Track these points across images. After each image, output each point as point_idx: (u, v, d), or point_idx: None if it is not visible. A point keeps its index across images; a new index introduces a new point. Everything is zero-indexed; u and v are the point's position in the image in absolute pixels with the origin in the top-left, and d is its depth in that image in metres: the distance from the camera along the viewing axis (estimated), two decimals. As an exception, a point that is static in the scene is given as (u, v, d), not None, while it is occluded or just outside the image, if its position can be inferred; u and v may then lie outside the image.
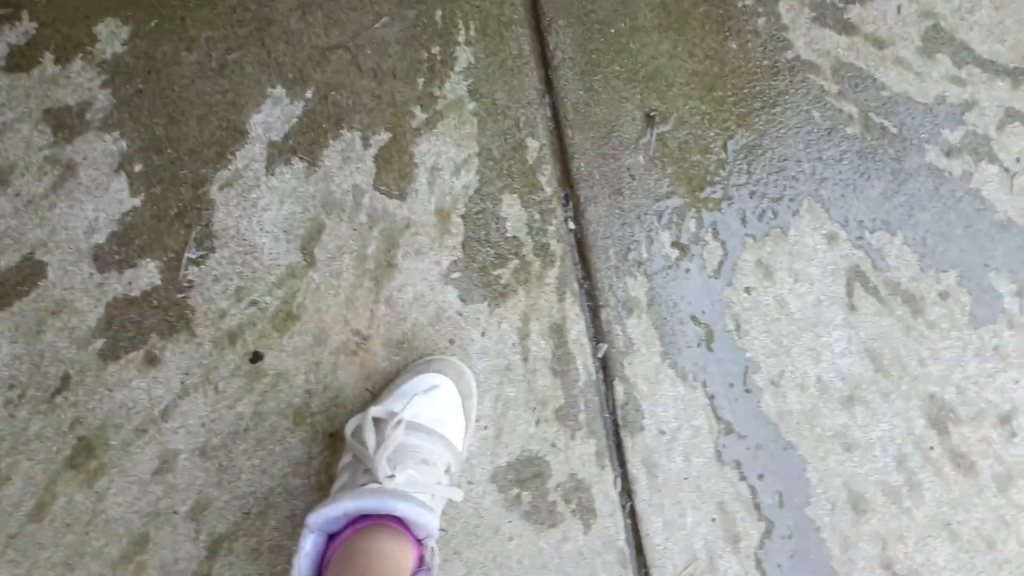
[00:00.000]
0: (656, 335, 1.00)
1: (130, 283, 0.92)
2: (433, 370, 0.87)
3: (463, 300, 0.97)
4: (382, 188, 0.98)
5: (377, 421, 0.81)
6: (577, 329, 0.99)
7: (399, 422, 0.79)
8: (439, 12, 1.04)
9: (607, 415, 0.98)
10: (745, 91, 1.08)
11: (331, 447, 0.92)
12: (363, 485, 0.75)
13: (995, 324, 1.06)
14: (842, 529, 0.99)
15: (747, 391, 1.01)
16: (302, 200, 0.96)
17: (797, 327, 1.02)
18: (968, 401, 1.04)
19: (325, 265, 0.95)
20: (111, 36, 0.97)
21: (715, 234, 1.04)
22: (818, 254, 1.04)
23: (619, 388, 0.99)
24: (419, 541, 0.73)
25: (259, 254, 0.94)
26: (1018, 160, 1.10)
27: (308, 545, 0.72)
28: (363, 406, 0.90)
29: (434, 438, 0.82)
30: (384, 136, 0.99)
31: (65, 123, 0.95)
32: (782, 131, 1.08)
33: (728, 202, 1.05)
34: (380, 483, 0.74)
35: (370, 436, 0.78)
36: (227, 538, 0.89)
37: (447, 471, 0.82)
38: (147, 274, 0.92)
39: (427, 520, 0.71)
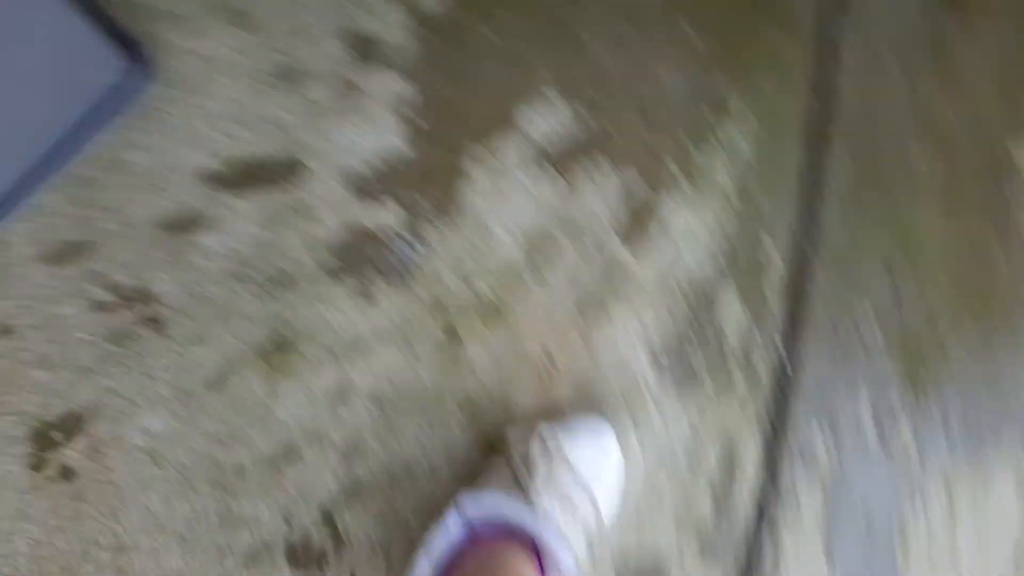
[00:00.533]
0: (822, 504, 1.00)
1: (374, 217, 0.96)
2: (606, 428, 0.89)
3: (657, 374, 0.97)
4: (620, 232, 1.01)
5: (542, 440, 0.82)
6: (750, 458, 0.99)
7: (563, 457, 0.80)
8: (733, 98, 1.07)
9: (741, 552, 0.97)
10: (993, 301, 1.07)
11: (484, 455, 0.94)
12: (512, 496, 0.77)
13: None
14: None
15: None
16: (544, 209, 1.00)
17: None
18: None
19: (544, 279, 0.98)
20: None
21: (916, 437, 1.02)
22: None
23: (767, 541, 0.98)
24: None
25: (491, 242, 0.97)
26: None
27: (453, 525, 0.74)
28: (527, 422, 0.92)
29: (585, 490, 0.83)
30: (640, 184, 1.02)
31: (367, 51, 1.00)
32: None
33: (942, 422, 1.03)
34: (531, 503, 0.76)
35: (535, 453, 0.79)
36: (365, 491, 0.92)
37: (584, 529, 0.83)
38: (391, 216, 0.97)
39: (567, 560, 0.72)
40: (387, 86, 1.00)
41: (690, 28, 1.08)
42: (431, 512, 0.90)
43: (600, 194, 1.02)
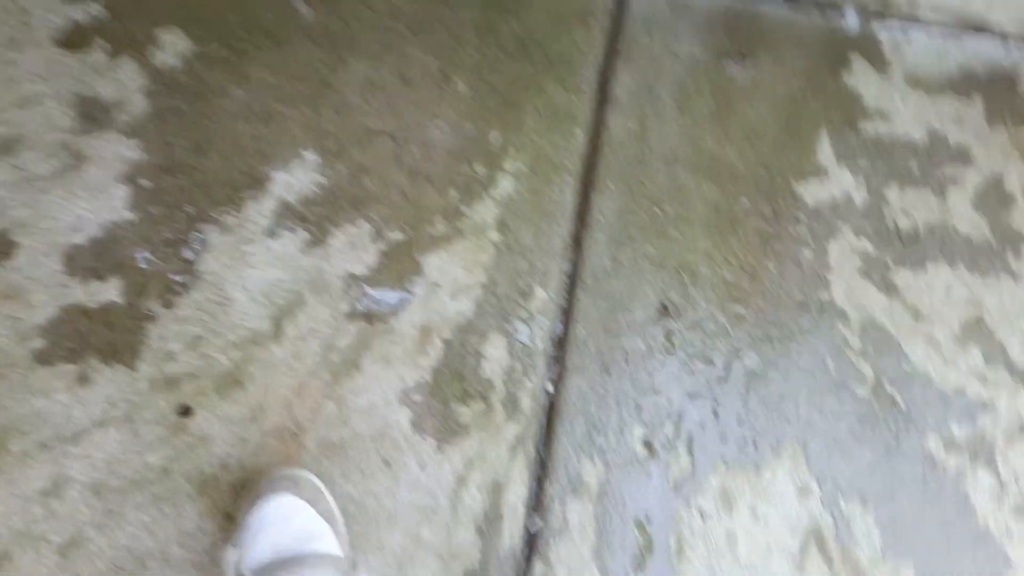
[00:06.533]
0: (594, 528, 1.03)
1: (92, 294, 0.97)
2: (274, 492, 0.90)
3: (414, 425, 1.01)
4: (376, 287, 1.03)
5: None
6: (517, 494, 1.02)
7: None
8: (496, 134, 1.12)
9: None
10: (768, 316, 1.14)
11: (225, 529, 0.94)
12: None
13: None
14: None
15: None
16: (292, 270, 1.02)
17: (740, 570, 1.05)
18: None
19: (290, 343, 0.99)
20: (172, 46, 1.05)
21: (689, 446, 1.08)
22: (785, 502, 1.08)
23: (538, 570, 1.01)
24: None
25: (230, 309, 0.99)
26: (1016, 480, 1.15)
27: None
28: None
29: (307, 561, 0.85)
30: (398, 235, 1.05)
31: (92, 115, 1.01)
32: (791, 369, 1.12)
33: (714, 419, 1.09)
34: None
35: None
36: (87, 589, 0.91)
37: None
38: (112, 291, 0.97)
39: None
40: (117, 153, 1.01)
41: (466, 87, 1.14)
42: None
43: (357, 251, 1.05)
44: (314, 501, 0.90)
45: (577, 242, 1.11)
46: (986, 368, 1.16)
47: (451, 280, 1.04)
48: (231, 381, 0.96)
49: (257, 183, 1.02)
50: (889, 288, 1.16)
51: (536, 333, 1.05)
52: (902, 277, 1.16)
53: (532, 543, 1.01)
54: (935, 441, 1.11)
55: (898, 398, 1.12)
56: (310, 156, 1.03)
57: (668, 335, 1.10)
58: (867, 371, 1.12)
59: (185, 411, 0.94)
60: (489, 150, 1.10)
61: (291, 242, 1.01)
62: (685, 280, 1.11)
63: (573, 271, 1.10)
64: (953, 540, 1.09)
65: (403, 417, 1.00)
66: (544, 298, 1.06)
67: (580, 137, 1.16)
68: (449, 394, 1.02)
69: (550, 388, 1.05)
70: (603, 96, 1.19)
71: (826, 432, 1.10)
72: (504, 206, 1.08)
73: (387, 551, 0.97)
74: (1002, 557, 1.10)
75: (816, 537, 1.05)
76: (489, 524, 0.99)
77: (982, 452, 1.12)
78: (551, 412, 1.06)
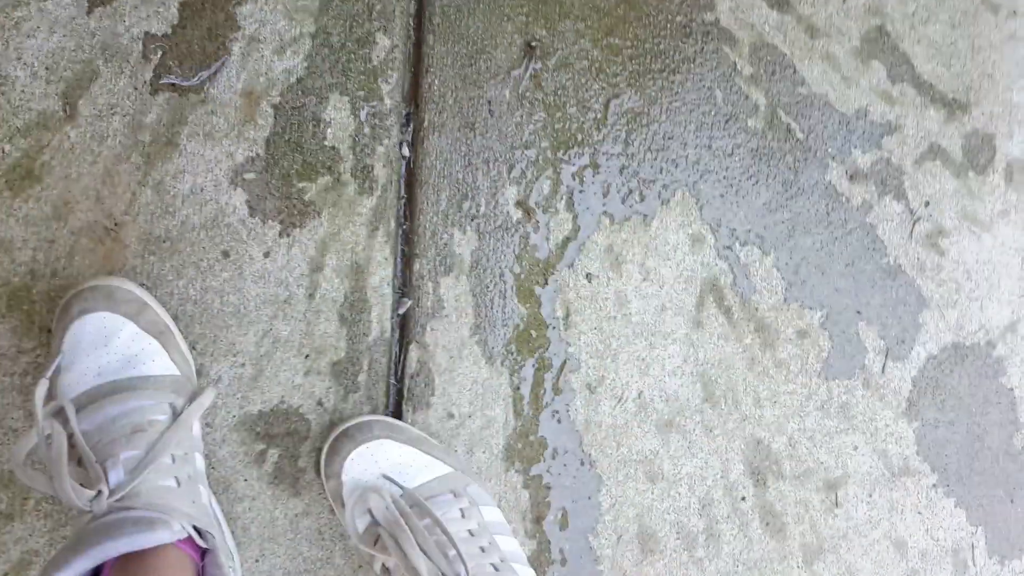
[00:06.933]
0: (471, 304, 1.21)
1: None
2: (85, 310, 0.97)
3: (252, 208, 1.11)
4: (182, 45, 1.10)
5: (56, 411, 0.88)
6: (381, 275, 1.16)
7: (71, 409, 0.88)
8: None
9: (392, 382, 1.16)
10: (647, 46, 1.29)
11: (46, 345, 1.03)
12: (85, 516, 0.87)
13: (850, 379, 1.34)
14: (623, 566, 1.26)
15: (558, 391, 1.26)
16: (78, 35, 1.06)
17: (632, 331, 1.26)
18: (797, 456, 1.32)
19: (88, 123, 1.06)
20: None
21: (569, 204, 1.26)
22: (677, 255, 1.28)
23: (413, 355, 1.17)
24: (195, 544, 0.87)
25: (9, 89, 1.05)
26: (926, 204, 1.40)
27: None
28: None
29: (135, 387, 0.94)
30: None
31: None
32: (676, 104, 1.27)
33: (593, 171, 1.26)
34: (94, 512, 0.86)
35: (55, 446, 0.85)
36: None
37: (173, 411, 0.96)
38: None
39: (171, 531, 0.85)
40: None
41: None
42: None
43: (151, 5, 1.10)
44: (135, 314, 0.97)
45: None
46: (890, 85, 1.36)
47: (273, 33, 1.12)
48: (24, 174, 1.05)
49: None
50: (781, 2, 1.34)
51: (383, 89, 1.19)
52: None
53: (404, 327, 1.16)
54: (837, 171, 1.33)
55: (794, 126, 1.32)
56: None
57: (536, 78, 1.24)
58: (759, 99, 1.31)
59: None
60: None
61: (71, 1, 1.06)
62: (550, 11, 1.22)
63: (419, 10, 1.18)
64: (861, 280, 1.29)
65: (238, 200, 1.11)
66: (388, 45, 1.17)
67: None
68: (289, 169, 1.12)
69: (406, 152, 1.19)
70: None
71: (717, 172, 1.28)
72: None
73: (241, 353, 1.09)
74: (915, 295, 1.31)
75: (713, 289, 1.27)
76: (353, 311, 1.14)
77: (889, 179, 1.33)
78: (410, 180, 1.18)
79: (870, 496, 1.27)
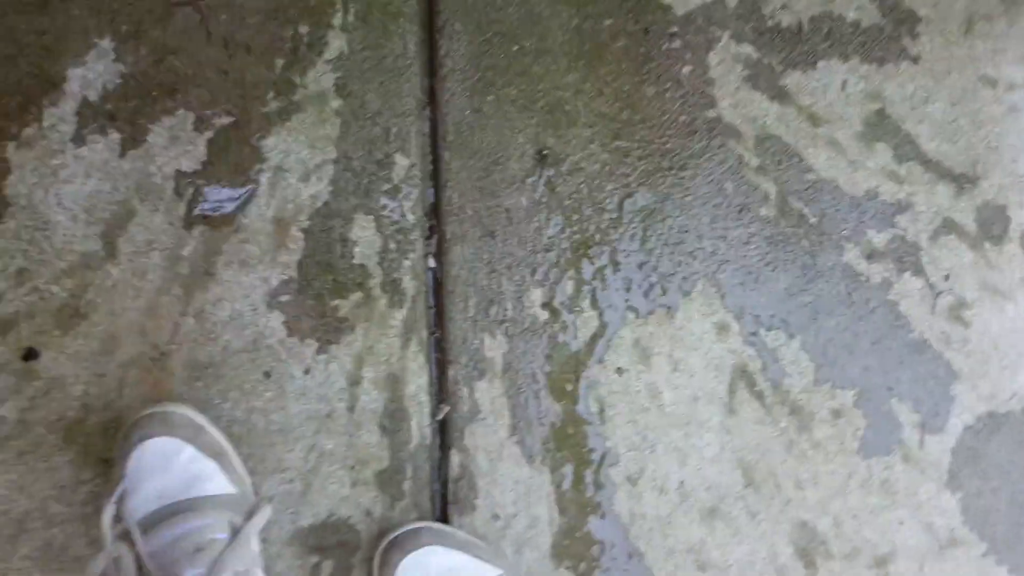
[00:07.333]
0: (507, 406, 1.22)
1: None
2: (145, 436, 1.02)
3: (289, 329, 1.15)
4: (213, 181, 1.17)
5: (123, 533, 0.95)
6: (417, 384, 1.19)
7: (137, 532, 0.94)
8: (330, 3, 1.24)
9: (436, 487, 1.18)
10: (654, 146, 1.33)
11: (103, 475, 1.06)
12: None
13: (888, 456, 1.34)
14: (680, 662, 1.26)
15: (600, 485, 1.26)
16: (113, 178, 1.13)
17: (667, 422, 1.27)
18: (844, 536, 1.30)
19: (128, 260, 1.11)
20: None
21: (593, 302, 1.28)
22: (704, 344, 1.31)
23: (455, 459, 1.19)
24: None
25: (52, 233, 1.11)
26: (947, 278, 1.41)
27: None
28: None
29: (196, 508, 0.98)
30: (225, 119, 1.17)
31: None
32: (688, 199, 1.32)
33: (614, 269, 1.29)
34: None
35: (124, 568, 0.92)
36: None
37: (233, 529, 1.00)
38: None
39: None
40: None
41: None
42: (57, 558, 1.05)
43: (181, 144, 1.17)
44: (193, 438, 1.02)
45: (432, 97, 1.25)
46: (897, 165, 1.38)
47: (298, 162, 1.18)
48: (72, 313, 1.09)
49: (51, 85, 1.11)
50: (780, 94, 1.38)
51: (405, 206, 1.23)
52: (793, 80, 1.37)
53: (444, 432, 1.18)
54: (853, 252, 1.35)
55: (806, 212, 1.35)
56: (105, 44, 1.13)
57: (550, 184, 1.29)
58: (769, 188, 1.34)
59: (29, 355, 1.06)
60: (309, 5, 1.21)
61: (104, 146, 1.12)
62: (558, 120, 1.28)
63: (433, 130, 1.24)
64: (889, 356, 1.30)
65: (275, 322, 1.15)
66: (406, 165, 1.22)
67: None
68: (321, 289, 1.17)
69: (432, 264, 1.23)
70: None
71: (735, 261, 1.30)
72: (341, 69, 1.21)
73: (290, 470, 1.12)
74: (945, 367, 1.32)
75: (743, 375, 1.29)
76: (393, 420, 1.16)
77: (906, 256, 1.34)
78: (438, 290, 1.22)
79: (921, 569, 1.26)
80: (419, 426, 1.18)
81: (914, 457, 1.27)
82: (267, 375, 1.14)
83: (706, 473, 1.24)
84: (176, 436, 1.01)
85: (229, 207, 1.17)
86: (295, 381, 1.15)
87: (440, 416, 1.18)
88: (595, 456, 1.23)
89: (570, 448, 1.22)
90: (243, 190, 1.16)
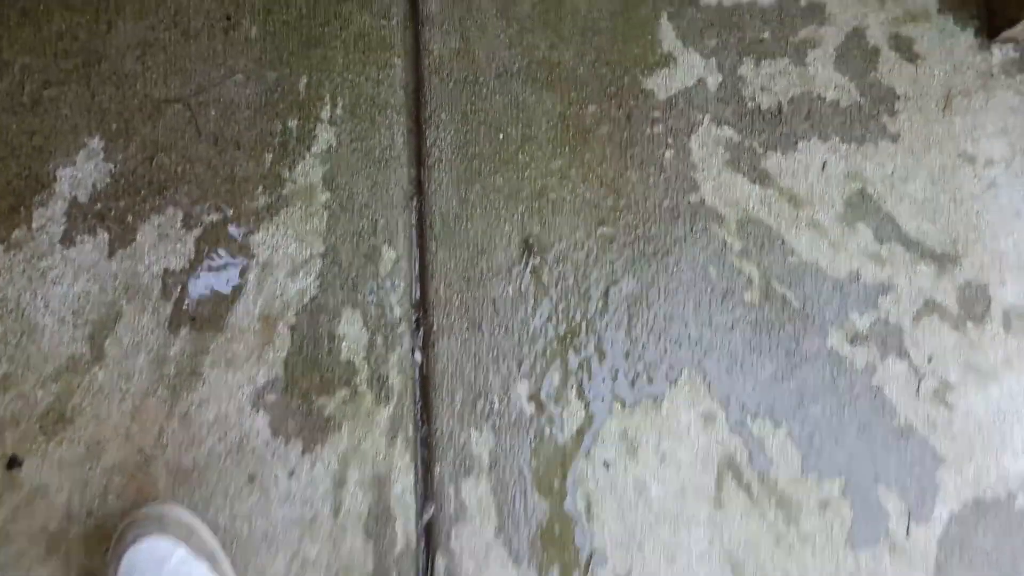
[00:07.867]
0: (494, 504, 1.21)
1: None
2: (139, 536, 1.02)
3: (274, 430, 1.15)
4: (200, 282, 1.16)
5: None
6: (403, 484, 1.18)
7: None
8: (304, 80, 1.25)
9: None
10: (639, 231, 1.34)
11: None
12: None
13: (875, 547, 1.32)
14: None
15: (587, 584, 1.20)
16: (101, 279, 1.13)
17: (655, 517, 1.26)
18: None
19: (115, 363, 1.12)
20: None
21: (580, 393, 1.29)
22: (691, 435, 1.30)
23: (440, 562, 1.17)
24: None
25: (38, 337, 1.11)
26: (930, 360, 1.43)
27: None
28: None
29: None
30: (214, 216, 1.19)
31: None
32: (672, 285, 1.32)
33: (600, 358, 1.29)
34: None
35: None
36: None
37: None
38: None
39: None
40: None
41: (258, 30, 1.27)
42: None
43: (170, 243, 1.17)
44: (186, 537, 1.02)
45: (418, 188, 1.26)
46: (879, 245, 1.38)
47: (285, 257, 1.18)
48: (57, 418, 1.09)
49: (41, 186, 1.12)
50: (761, 177, 1.38)
51: (392, 299, 1.24)
52: (773, 162, 1.38)
53: (429, 534, 1.17)
54: (837, 336, 1.35)
55: (789, 296, 1.36)
56: (94, 143, 1.15)
57: (536, 273, 1.28)
58: (752, 272, 1.34)
59: (12, 463, 1.07)
60: (299, 99, 1.22)
61: (93, 247, 1.12)
62: (544, 208, 1.29)
63: (420, 221, 1.26)
64: (875, 443, 1.30)
65: (260, 423, 1.15)
66: (393, 257, 1.22)
67: (399, 66, 1.30)
68: (308, 387, 1.17)
69: (418, 357, 1.25)
70: (416, 15, 1.32)
71: (721, 348, 1.30)
72: (329, 162, 1.22)
73: None
74: (930, 453, 1.32)
75: (730, 466, 1.29)
76: (378, 524, 1.15)
77: (889, 338, 1.35)
78: (424, 384, 1.22)
79: (910, 664, 1.26)
80: (404, 529, 1.17)
81: (900, 548, 1.27)
82: (251, 479, 1.13)
83: (695, 571, 1.24)
84: (168, 535, 1.01)
85: (217, 303, 1.18)
86: (279, 484, 1.14)
87: (426, 517, 1.18)
88: (583, 556, 1.22)
89: (557, 548, 1.21)
90: (231, 283, 1.16)
